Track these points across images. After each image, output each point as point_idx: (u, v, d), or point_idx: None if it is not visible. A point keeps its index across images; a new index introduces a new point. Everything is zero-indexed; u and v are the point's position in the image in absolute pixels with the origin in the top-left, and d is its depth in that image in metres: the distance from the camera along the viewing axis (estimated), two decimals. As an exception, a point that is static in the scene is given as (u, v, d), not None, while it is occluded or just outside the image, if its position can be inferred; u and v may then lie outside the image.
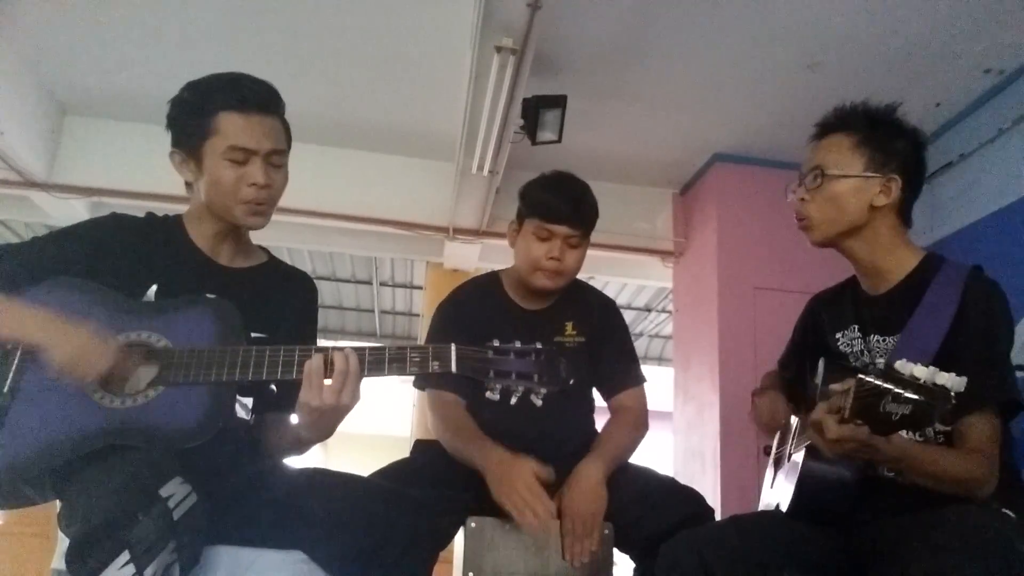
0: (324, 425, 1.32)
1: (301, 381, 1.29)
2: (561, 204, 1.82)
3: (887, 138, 1.52)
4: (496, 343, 1.35)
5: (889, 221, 1.52)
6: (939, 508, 1.25)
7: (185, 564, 1.13)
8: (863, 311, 1.57)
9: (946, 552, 1.13)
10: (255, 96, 1.43)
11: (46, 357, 1.21)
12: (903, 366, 1.12)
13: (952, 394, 1.08)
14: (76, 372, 1.21)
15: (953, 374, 1.09)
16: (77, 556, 1.05)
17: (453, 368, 1.30)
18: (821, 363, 1.53)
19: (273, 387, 1.49)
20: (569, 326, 1.91)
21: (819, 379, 1.52)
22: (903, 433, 1.24)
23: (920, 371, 1.10)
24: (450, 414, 1.80)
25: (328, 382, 1.27)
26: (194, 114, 1.42)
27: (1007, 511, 1.28)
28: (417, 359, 1.30)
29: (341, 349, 1.30)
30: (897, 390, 1.10)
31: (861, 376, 1.15)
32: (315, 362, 1.27)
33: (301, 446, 1.43)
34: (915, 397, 1.08)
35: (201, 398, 1.27)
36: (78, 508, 1.12)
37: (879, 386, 1.11)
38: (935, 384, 1.09)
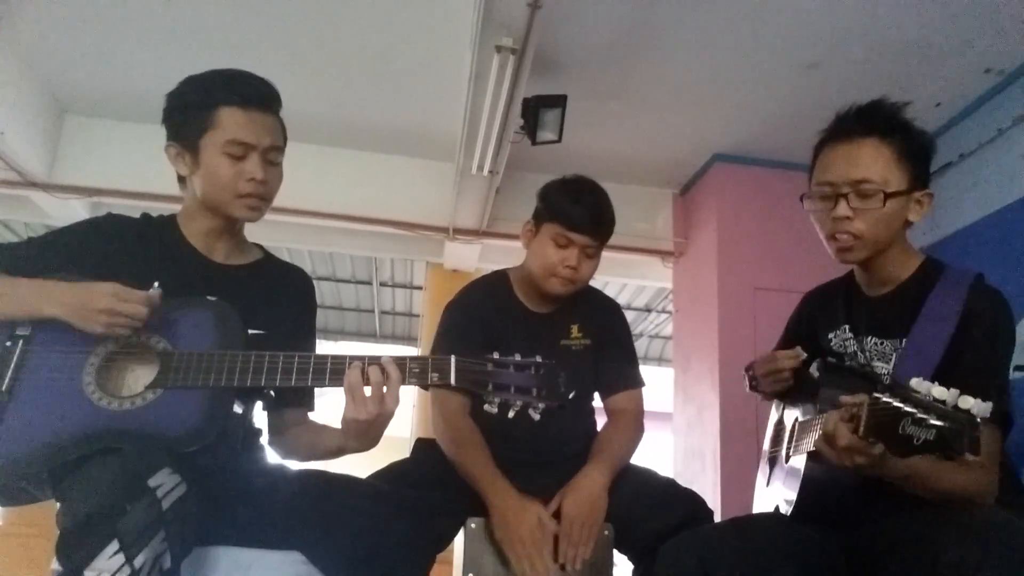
0: (373, 434, 1.32)
1: (304, 384, 1.29)
2: (585, 214, 1.78)
3: (921, 150, 1.46)
4: (496, 355, 1.33)
5: (903, 230, 1.49)
6: (940, 508, 1.25)
7: (176, 553, 1.13)
8: (857, 312, 1.56)
9: (962, 545, 1.10)
10: (256, 93, 1.45)
11: (83, 316, 1.23)
12: (919, 384, 1.07)
13: (978, 420, 1.02)
14: (120, 316, 1.23)
15: (979, 400, 1.03)
16: (67, 547, 1.06)
17: (452, 380, 1.29)
18: (817, 362, 1.53)
19: (271, 392, 1.49)
20: (575, 329, 1.90)
21: (815, 375, 1.52)
22: None
23: (940, 392, 1.04)
24: (456, 423, 1.76)
25: (368, 391, 1.27)
26: (193, 107, 1.43)
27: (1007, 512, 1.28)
28: (416, 370, 1.30)
29: (361, 358, 1.29)
30: (920, 414, 1.04)
31: (876, 395, 1.10)
32: (353, 376, 1.26)
33: (344, 454, 1.43)
34: (940, 423, 1.02)
35: (200, 401, 1.27)
36: (70, 503, 1.12)
37: (899, 408, 1.06)
38: (959, 408, 1.03)
